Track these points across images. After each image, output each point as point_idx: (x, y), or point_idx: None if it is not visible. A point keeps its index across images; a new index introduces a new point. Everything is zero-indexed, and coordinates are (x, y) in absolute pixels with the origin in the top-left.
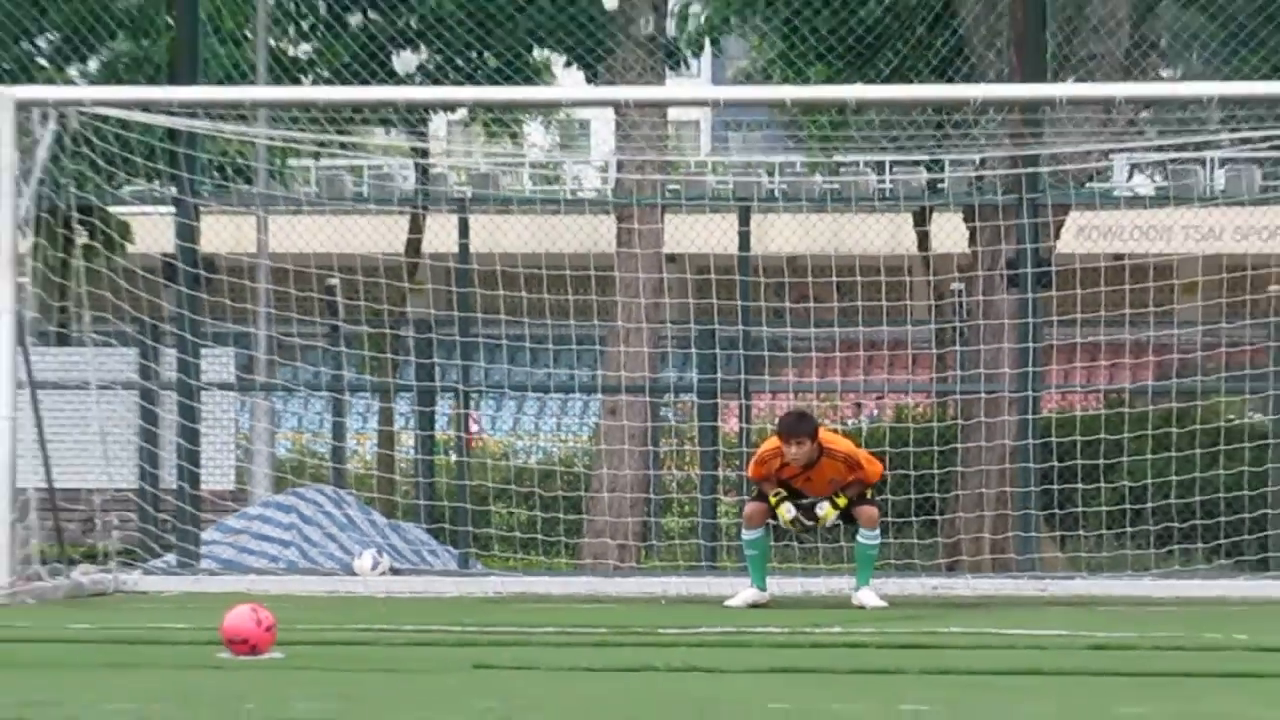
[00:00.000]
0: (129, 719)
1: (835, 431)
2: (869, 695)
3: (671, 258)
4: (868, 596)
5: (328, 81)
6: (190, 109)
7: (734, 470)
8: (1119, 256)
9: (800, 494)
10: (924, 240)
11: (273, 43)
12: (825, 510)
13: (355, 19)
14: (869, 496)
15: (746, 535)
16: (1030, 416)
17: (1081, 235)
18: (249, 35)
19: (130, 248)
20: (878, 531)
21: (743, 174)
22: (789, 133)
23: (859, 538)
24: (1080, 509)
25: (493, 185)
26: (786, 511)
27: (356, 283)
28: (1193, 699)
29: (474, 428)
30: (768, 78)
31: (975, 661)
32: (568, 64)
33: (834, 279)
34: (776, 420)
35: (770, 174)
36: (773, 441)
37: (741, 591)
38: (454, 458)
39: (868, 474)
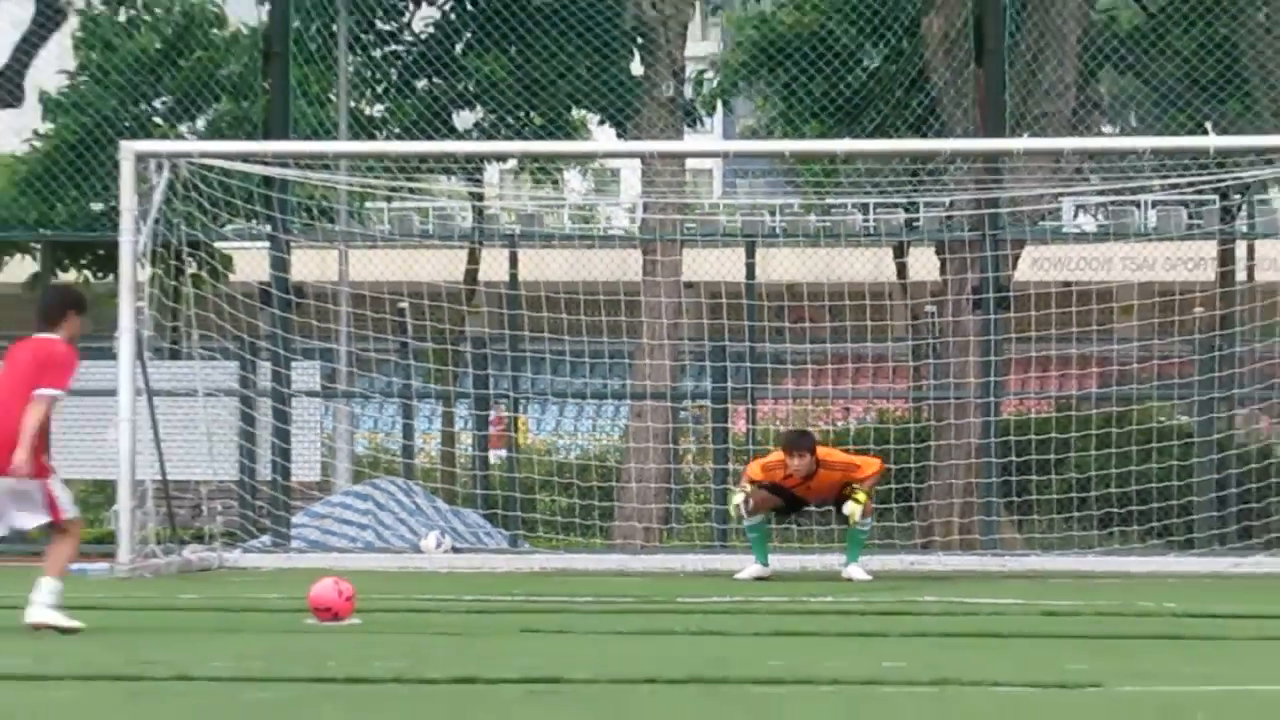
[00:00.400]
0: (229, 675)
1: (828, 444)
2: (855, 654)
3: (689, 285)
4: (855, 571)
5: (398, 136)
6: (282, 160)
7: (742, 464)
8: (1066, 284)
9: (802, 500)
10: (902, 270)
11: (352, 104)
12: (850, 509)
13: (421, 83)
14: (869, 490)
15: (748, 522)
16: (992, 418)
17: (1035, 266)
18: (332, 98)
19: (232, 277)
20: (869, 519)
21: (749, 214)
22: (788, 179)
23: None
24: (1034, 497)
25: (538, 224)
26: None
27: (423, 306)
28: (1129, 657)
29: (496, 427)
30: (770, 133)
31: (945, 626)
32: (601, 122)
33: (826, 303)
34: (781, 434)
35: (772, 214)
36: (777, 454)
37: (748, 567)
38: (504, 453)
39: (867, 474)
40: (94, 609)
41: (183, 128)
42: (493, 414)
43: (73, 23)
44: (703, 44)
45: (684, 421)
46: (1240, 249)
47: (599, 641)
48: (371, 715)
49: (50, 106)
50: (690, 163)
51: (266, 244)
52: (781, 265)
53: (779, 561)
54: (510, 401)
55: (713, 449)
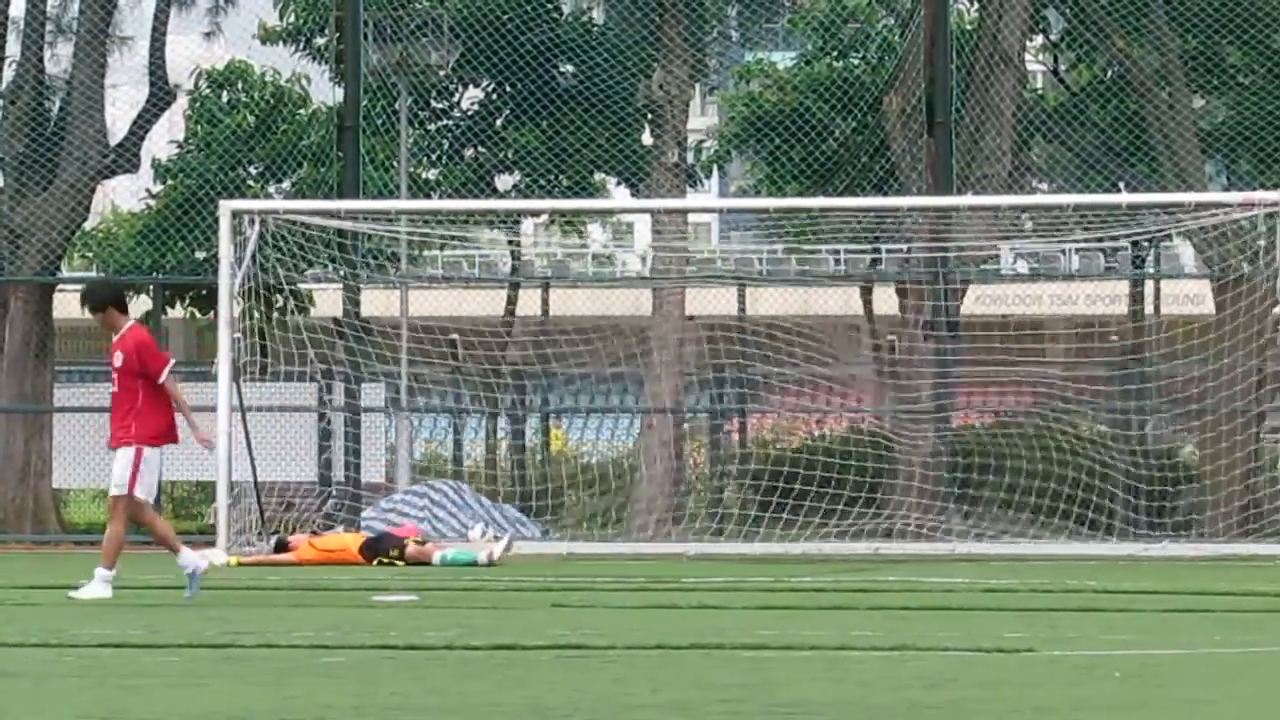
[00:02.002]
0: (307, 643)
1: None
2: (830, 625)
3: (691, 318)
4: None
5: (449, 196)
6: (353, 215)
7: (734, 468)
8: (1004, 316)
9: None
10: (868, 305)
11: (411, 169)
12: None
13: (469, 151)
14: None
15: None
16: (944, 429)
17: (978, 301)
18: (395, 164)
19: (312, 312)
20: None
21: (740, 259)
22: (772, 230)
23: None
24: (978, 494)
25: (565, 268)
26: None
27: (470, 337)
28: (1056, 626)
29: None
30: (758, 192)
31: (904, 601)
32: (618, 183)
33: (803, 333)
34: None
35: (760, 260)
36: None
37: None
38: (538, 458)
39: None
40: (201, 589)
41: (271, 189)
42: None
43: (181, 101)
44: (701, 118)
45: (687, 432)
46: (1148, 287)
47: (617, 615)
48: (427, 676)
49: (162, 171)
50: (692, 217)
51: (341, 285)
52: (768, 302)
53: (768, 548)
54: (543, 416)
55: (710, 455)
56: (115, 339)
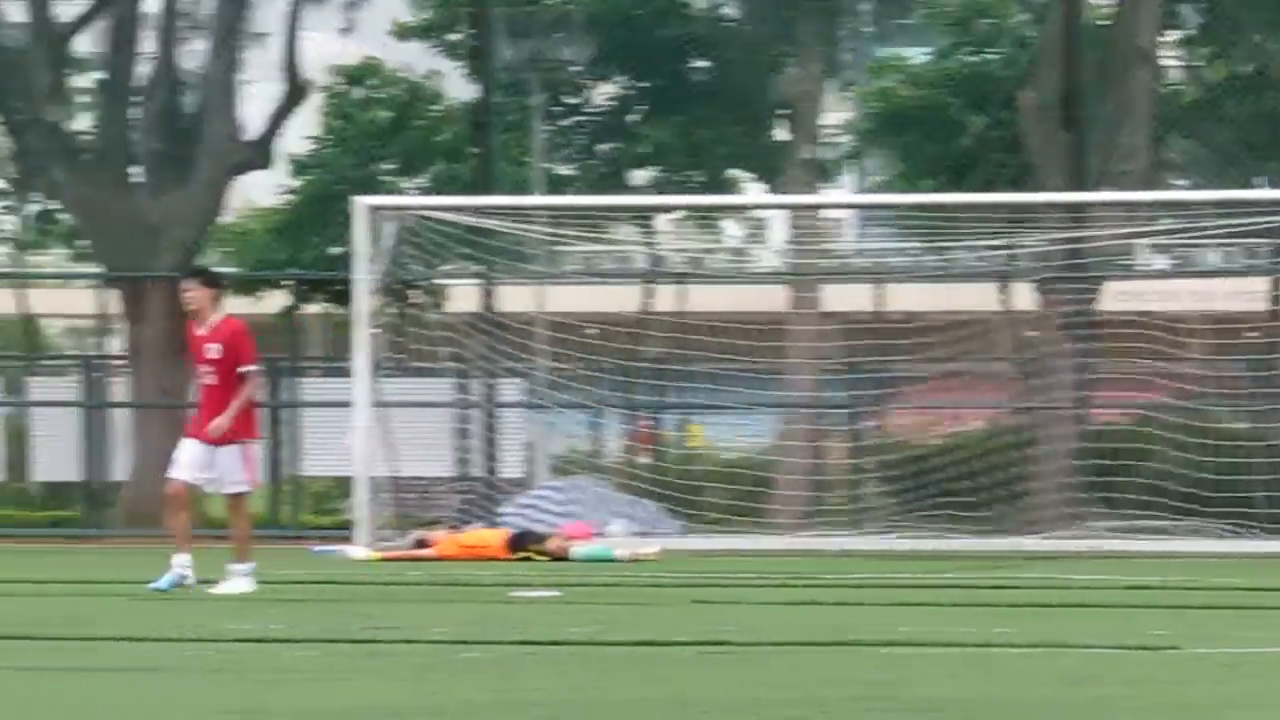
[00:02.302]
0: (447, 638)
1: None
2: (970, 622)
3: (827, 314)
4: None
5: (584, 192)
6: (488, 211)
7: (873, 464)
8: (1142, 313)
9: None
10: (1006, 301)
11: (545, 165)
12: None
13: (602, 147)
14: None
15: None
16: (1084, 425)
17: (1116, 297)
18: (528, 160)
19: (447, 307)
20: None
21: (876, 255)
22: (908, 226)
23: None
24: (1120, 490)
25: (701, 264)
26: None
27: (608, 332)
28: (1200, 624)
29: (644, 428)
30: (893, 188)
31: (1046, 598)
32: (754, 179)
33: (941, 329)
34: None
35: (895, 255)
36: None
37: None
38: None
39: None
40: (336, 583)
41: (406, 185)
42: (641, 423)
43: (315, 97)
44: (836, 114)
45: (824, 427)
46: None
47: (756, 611)
48: (567, 672)
49: (298, 167)
50: (828, 211)
51: (476, 280)
52: (904, 298)
53: (907, 544)
54: (680, 411)
55: (848, 449)
56: (204, 331)
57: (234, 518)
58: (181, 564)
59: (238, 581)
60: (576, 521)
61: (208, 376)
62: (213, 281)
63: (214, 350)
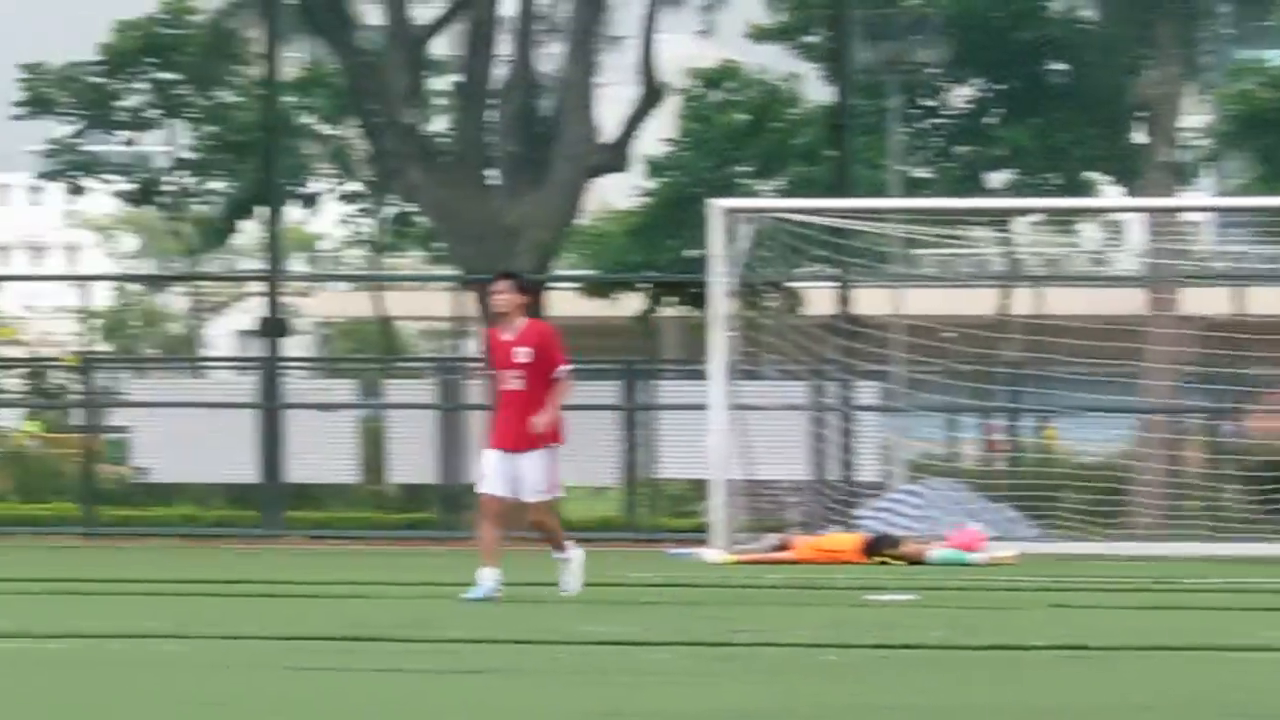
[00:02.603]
0: (802, 641)
1: None
2: None
3: (1185, 317)
4: None
5: (941, 194)
6: (845, 214)
7: (1233, 469)
8: None
9: None
10: None
11: (901, 167)
12: None
13: (961, 149)
14: None
15: None
16: None
17: None
18: (885, 162)
19: (803, 310)
20: None
21: (1235, 258)
22: (1268, 229)
23: None
24: None
25: (1058, 267)
26: None
27: (964, 335)
28: None
29: (996, 436)
30: (1252, 191)
31: None
32: (1111, 182)
33: None
34: None
35: (1255, 258)
36: None
37: None
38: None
39: None
40: (692, 586)
41: (762, 187)
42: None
43: (670, 99)
44: (1195, 116)
45: (1183, 431)
46: None
47: (1115, 615)
48: (925, 676)
49: (654, 169)
50: (1185, 214)
51: (832, 283)
52: (1264, 300)
53: (1270, 550)
54: (1036, 415)
55: (1209, 455)
56: (511, 335)
57: (538, 521)
58: (491, 577)
59: (573, 568)
60: (965, 527)
61: (514, 381)
62: (524, 286)
63: (524, 354)
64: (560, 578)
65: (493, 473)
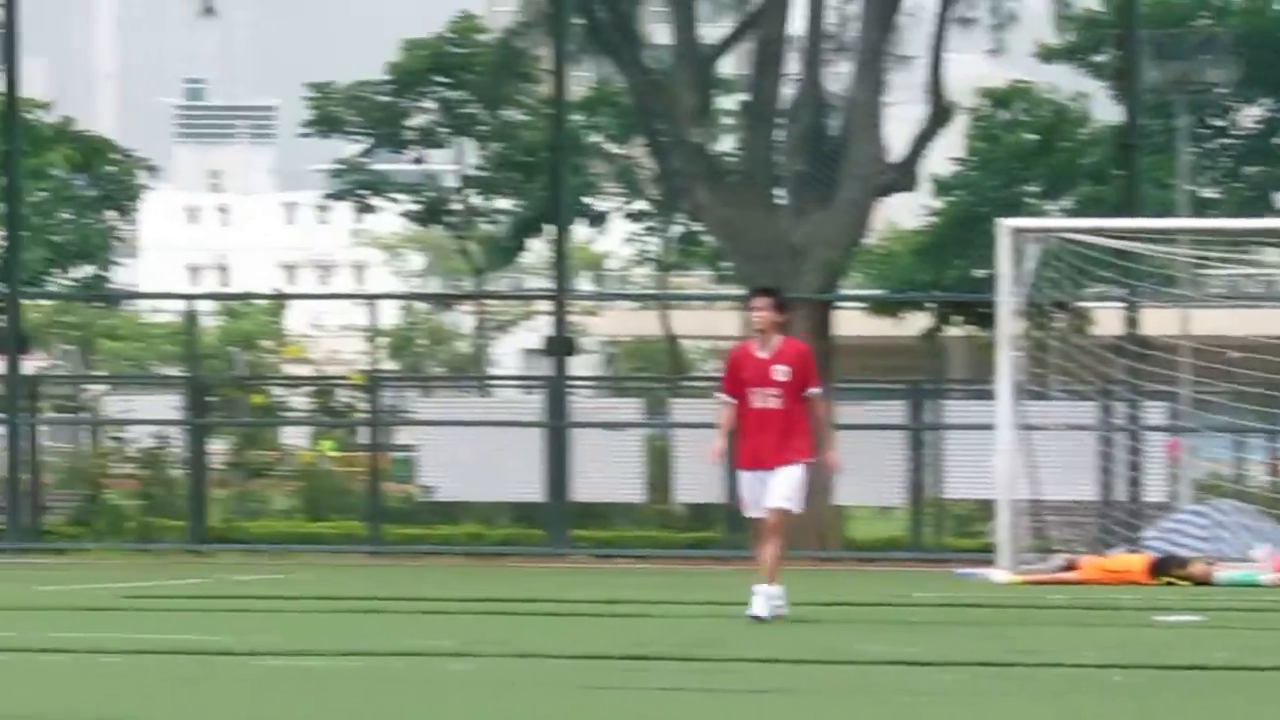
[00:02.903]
0: (1087, 662)
1: None
2: None
3: None
4: None
5: (1230, 215)
6: (1132, 235)
7: None
8: None
9: None
10: None
11: (1191, 188)
12: None
13: (1250, 170)
14: None
15: None
16: None
17: None
18: (1174, 182)
19: (1091, 330)
20: None
21: None
22: None
23: None
24: None
25: None
26: None
27: (1252, 357)
28: None
29: (1179, 453)
30: None
31: None
32: None
33: None
34: None
35: None
36: None
37: None
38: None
39: None
40: (978, 606)
41: (1050, 206)
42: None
43: (958, 119)
44: None
45: None
46: None
47: None
48: (1209, 698)
49: (941, 188)
50: None
51: (1120, 304)
52: None
53: None
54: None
55: None
56: (767, 354)
57: (771, 535)
58: (776, 594)
59: (759, 602)
60: (1262, 548)
61: (770, 400)
62: (782, 303)
63: (782, 372)
64: (754, 600)
65: (752, 498)
